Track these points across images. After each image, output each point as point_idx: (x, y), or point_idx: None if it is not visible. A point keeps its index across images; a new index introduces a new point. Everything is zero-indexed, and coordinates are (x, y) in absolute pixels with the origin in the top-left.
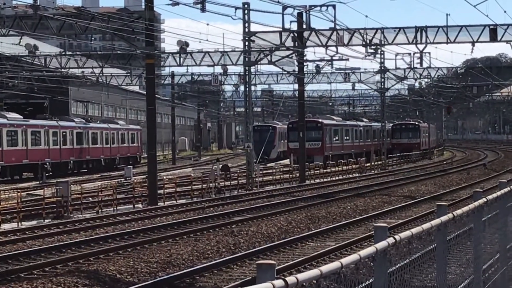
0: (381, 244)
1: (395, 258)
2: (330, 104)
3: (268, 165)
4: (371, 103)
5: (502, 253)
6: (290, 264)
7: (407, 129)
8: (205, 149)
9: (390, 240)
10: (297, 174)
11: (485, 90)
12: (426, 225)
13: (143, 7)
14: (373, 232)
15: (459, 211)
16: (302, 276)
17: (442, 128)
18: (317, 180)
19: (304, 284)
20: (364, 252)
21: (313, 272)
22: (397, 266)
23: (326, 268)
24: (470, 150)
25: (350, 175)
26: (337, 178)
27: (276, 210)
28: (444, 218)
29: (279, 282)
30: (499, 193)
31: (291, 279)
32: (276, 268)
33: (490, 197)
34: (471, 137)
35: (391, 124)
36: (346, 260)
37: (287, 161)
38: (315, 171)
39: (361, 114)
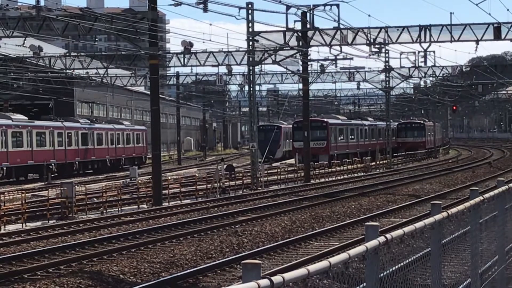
0: (372, 243)
1: (399, 257)
2: (336, 103)
3: (273, 164)
4: (376, 102)
5: (501, 254)
6: (293, 264)
7: (413, 128)
8: (211, 149)
9: (381, 239)
10: (302, 174)
11: (491, 88)
12: (419, 224)
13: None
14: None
15: (454, 210)
16: (288, 275)
17: (447, 127)
18: (322, 180)
19: (291, 283)
20: (354, 251)
21: (300, 271)
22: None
23: (313, 267)
24: (476, 148)
25: (355, 174)
26: (342, 177)
27: (280, 210)
28: (438, 216)
29: (264, 282)
30: (496, 191)
31: (277, 279)
32: (277, 268)
33: (487, 195)
34: (477, 136)
35: (397, 123)
36: (334, 259)
37: (292, 161)
38: (320, 171)
39: (367, 113)
